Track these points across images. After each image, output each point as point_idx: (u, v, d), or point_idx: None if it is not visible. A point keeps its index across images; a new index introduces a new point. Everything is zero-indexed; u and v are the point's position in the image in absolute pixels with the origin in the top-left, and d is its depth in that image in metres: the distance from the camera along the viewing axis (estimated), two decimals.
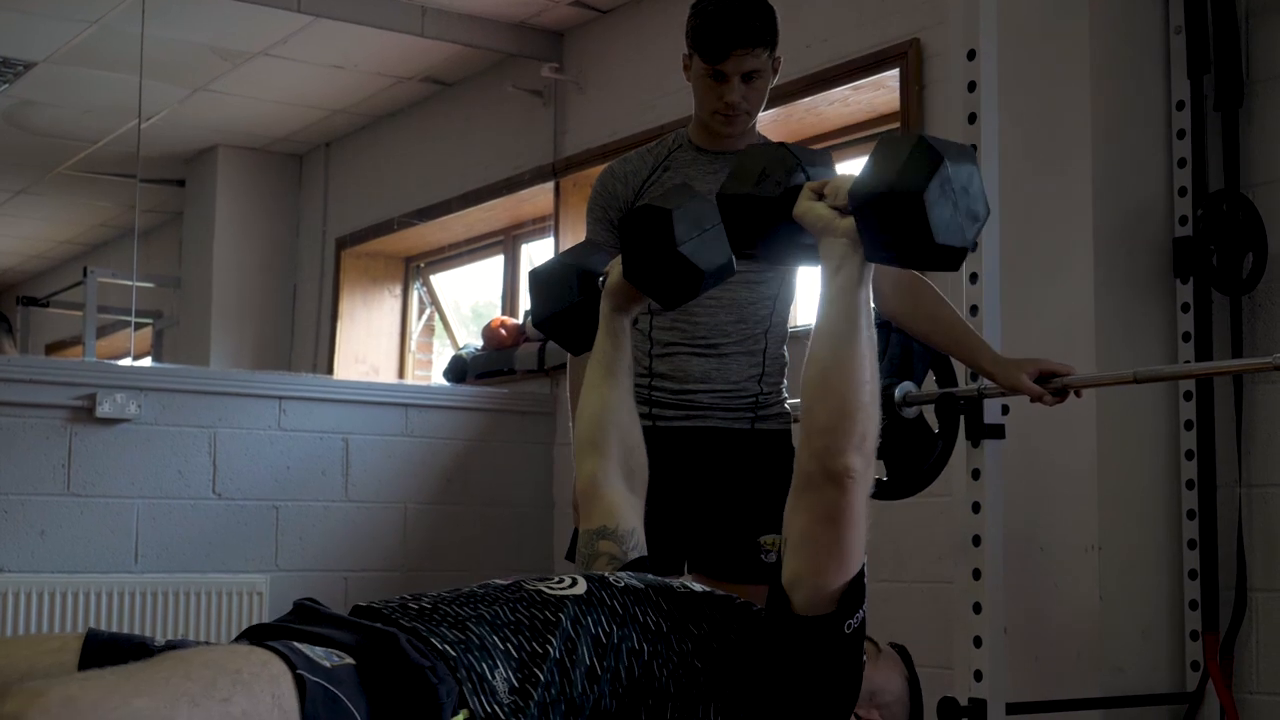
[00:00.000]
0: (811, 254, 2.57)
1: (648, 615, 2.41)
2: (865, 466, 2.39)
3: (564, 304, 3.23)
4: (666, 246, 2.90)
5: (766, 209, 2.60)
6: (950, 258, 2.41)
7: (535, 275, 3.30)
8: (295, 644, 2.07)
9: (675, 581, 2.59)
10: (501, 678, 2.21)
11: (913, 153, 2.38)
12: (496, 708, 2.18)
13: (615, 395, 3.08)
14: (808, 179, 2.60)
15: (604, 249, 3.35)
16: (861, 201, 2.42)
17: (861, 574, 2.42)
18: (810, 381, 2.44)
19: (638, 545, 2.90)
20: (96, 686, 1.85)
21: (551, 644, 2.28)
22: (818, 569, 2.38)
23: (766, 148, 2.71)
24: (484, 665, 2.20)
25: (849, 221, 2.45)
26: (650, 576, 2.58)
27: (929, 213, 2.33)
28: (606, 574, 2.53)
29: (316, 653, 2.06)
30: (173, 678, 1.90)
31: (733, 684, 2.40)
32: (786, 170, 2.61)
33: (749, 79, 3.78)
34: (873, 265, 2.47)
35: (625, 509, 2.97)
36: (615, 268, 3.07)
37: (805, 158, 2.65)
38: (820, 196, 2.53)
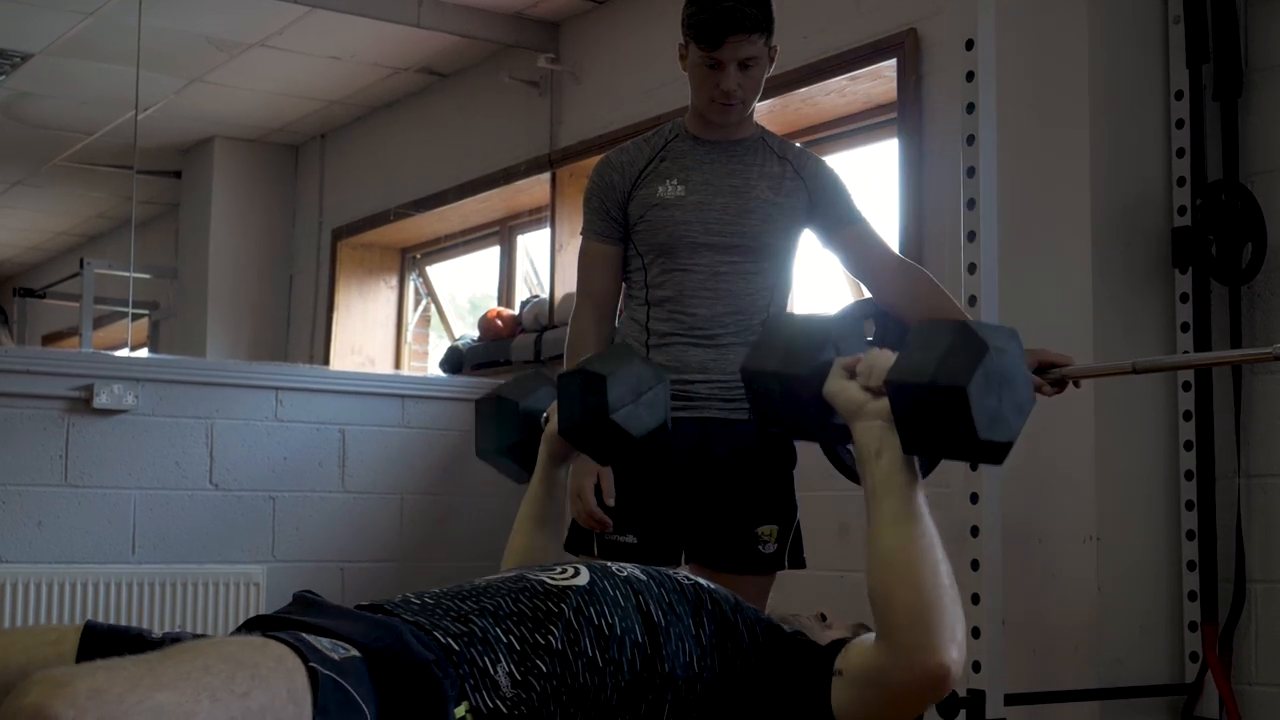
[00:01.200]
0: (843, 432, 2.46)
1: (650, 607, 2.40)
2: (961, 657, 2.25)
3: (506, 442, 3.26)
4: (599, 415, 2.88)
5: (794, 386, 2.48)
6: (995, 452, 2.29)
7: (481, 408, 3.33)
8: (304, 635, 2.06)
9: (680, 573, 2.58)
10: (504, 671, 2.20)
11: (955, 342, 2.26)
12: (499, 702, 2.18)
13: (543, 543, 3.12)
14: (838, 353, 2.48)
15: (548, 383, 3.34)
16: (900, 393, 2.30)
17: None
18: (881, 571, 2.30)
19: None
20: (121, 678, 1.84)
21: (554, 635, 2.27)
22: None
23: (791, 319, 2.62)
24: (486, 659, 2.20)
25: (883, 404, 2.34)
26: (653, 568, 2.57)
27: (972, 408, 2.21)
28: (609, 564, 2.53)
29: (325, 645, 2.06)
30: (194, 671, 1.89)
31: (733, 682, 2.40)
32: (814, 345, 2.49)
33: (745, 67, 3.77)
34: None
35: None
36: (554, 416, 3.07)
37: (834, 327, 2.54)
38: (852, 375, 2.43)
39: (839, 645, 2.41)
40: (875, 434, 2.35)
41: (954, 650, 2.22)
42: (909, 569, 2.27)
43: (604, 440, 2.95)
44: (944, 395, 2.23)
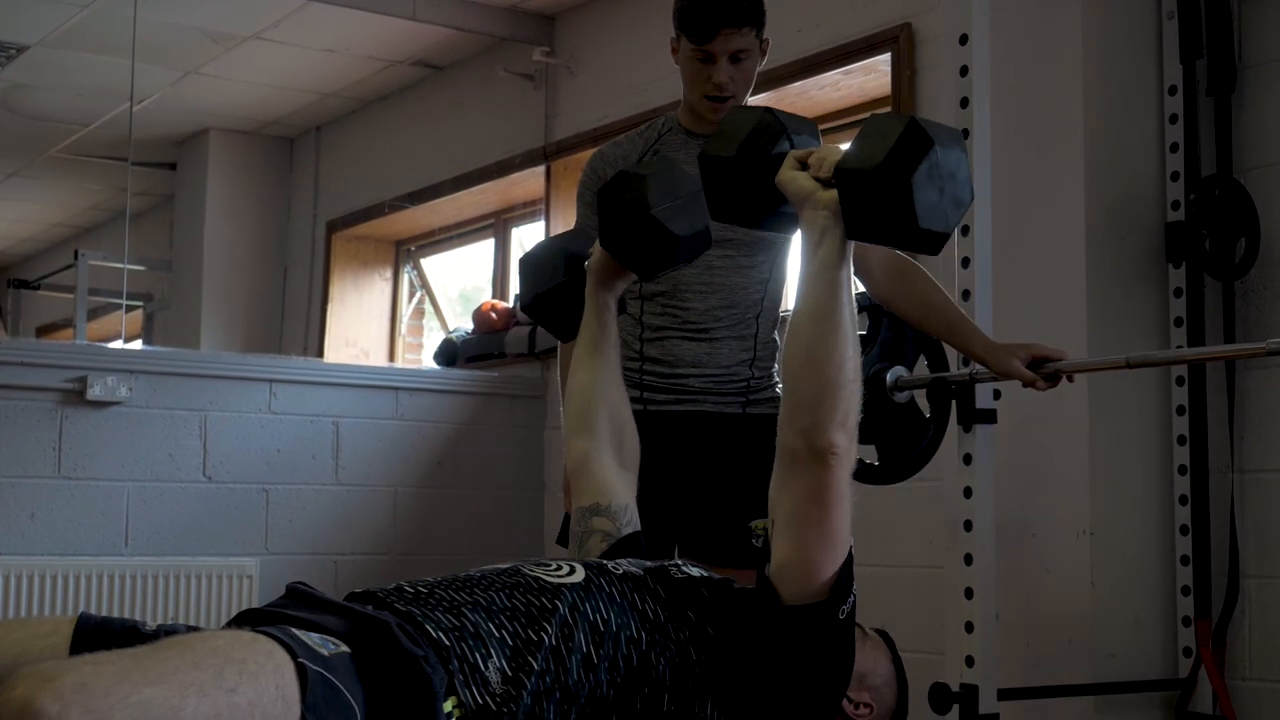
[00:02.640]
0: (791, 222, 2.58)
1: (646, 603, 2.40)
2: (849, 443, 2.39)
3: (549, 284, 3.25)
4: (640, 211, 2.92)
5: (748, 174, 2.60)
6: (932, 241, 2.41)
7: (524, 259, 3.33)
8: (293, 630, 2.06)
9: (673, 565, 2.58)
10: (495, 667, 2.20)
11: (903, 135, 2.36)
12: (488, 699, 2.17)
13: (603, 373, 3.09)
14: (792, 146, 2.60)
15: (592, 233, 3.35)
16: (847, 179, 2.42)
17: (850, 558, 2.42)
18: (792, 358, 2.45)
19: (631, 521, 2.91)
20: (108, 673, 1.84)
21: (547, 632, 2.27)
22: (806, 552, 2.38)
23: (752, 111, 2.69)
24: (477, 655, 2.20)
25: (832, 194, 2.45)
26: (649, 563, 2.57)
27: (914, 196, 2.33)
28: (605, 561, 2.53)
29: (313, 640, 2.06)
30: (181, 667, 1.89)
31: (729, 673, 2.40)
32: (771, 136, 2.61)
33: (737, 60, 3.77)
34: (853, 242, 2.47)
35: (617, 485, 2.97)
36: (599, 246, 3.08)
37: (791, 124, 2.64)
38: (804, 166, 2.53)
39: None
40: (819, 222, 2.47)
41: (840, 433, 2.38)
42: (823, 356, 2.41)
43: (646, 241, 2.98)
44: (888, 183, 2.35)
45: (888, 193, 2.36)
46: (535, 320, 3.35)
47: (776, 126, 2.62)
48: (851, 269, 2.49)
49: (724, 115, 2.73)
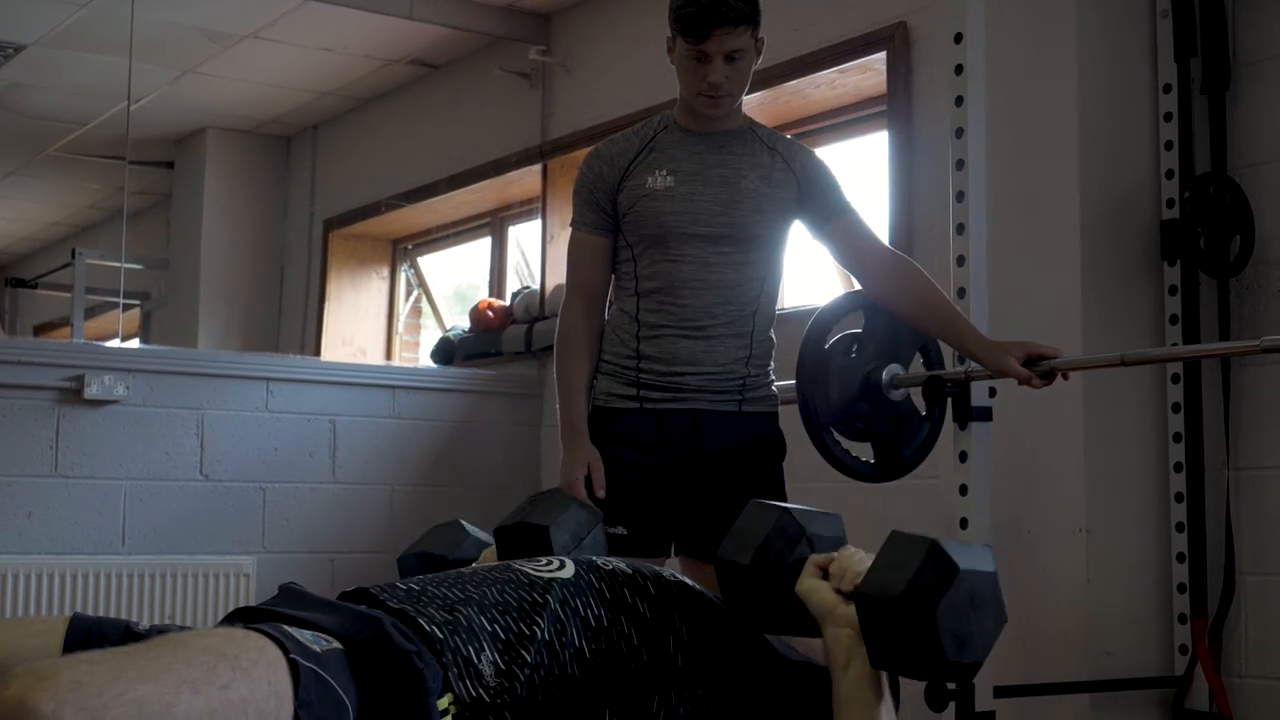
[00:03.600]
0: (816, 629, 2.41)
1: (636, 600, 2.41)
2: None
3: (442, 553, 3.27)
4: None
5: (766, 583, 2.45)
6: (964, 672, 2.27)
7: (402, 563, 3.32)
8: (286, 628, 2.07)
9: (665, 570, 2.59)
10: (488, 661, 2.21)
11: (926, 561, 2.23)
12: (482, 691, 2.18)
13: None
14: (812, 549, 2.45)
15: (469, 535, 3.36)
16: (866, 606, 2.27)
17: None
18: None
19: None
20: (102, 670, 1.84)
21: (539, 626, 2.28)
22: None
23: (769, 512, 2.55)
24: (470, 649, 2.20)
25: (854, 610, 2.33)
26: (638, 562, 2.58)
27: (940, 630, 2.19)
28: (595, 559, 2.54)
29: (306, 637, 2.06)
30: (175, 664, 1.90)
31: (713, 688, 2.40)
32: (788, 540, 2.46)
33: (732, 59, 3.77)
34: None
35: None
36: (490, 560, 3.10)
37: (810, 524, 2.50)
38: (825, 574, 2.42)
39: None
40: (844, 642, 2.34)
41: None
42: None
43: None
44: (911, 616, 2.20)
45: (910, 627, 2.21)
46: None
47: (794, 529, 2.47)
48: (887, 690, 2.35)
49: (742, 515, 2.58)
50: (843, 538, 2.51)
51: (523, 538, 2.97)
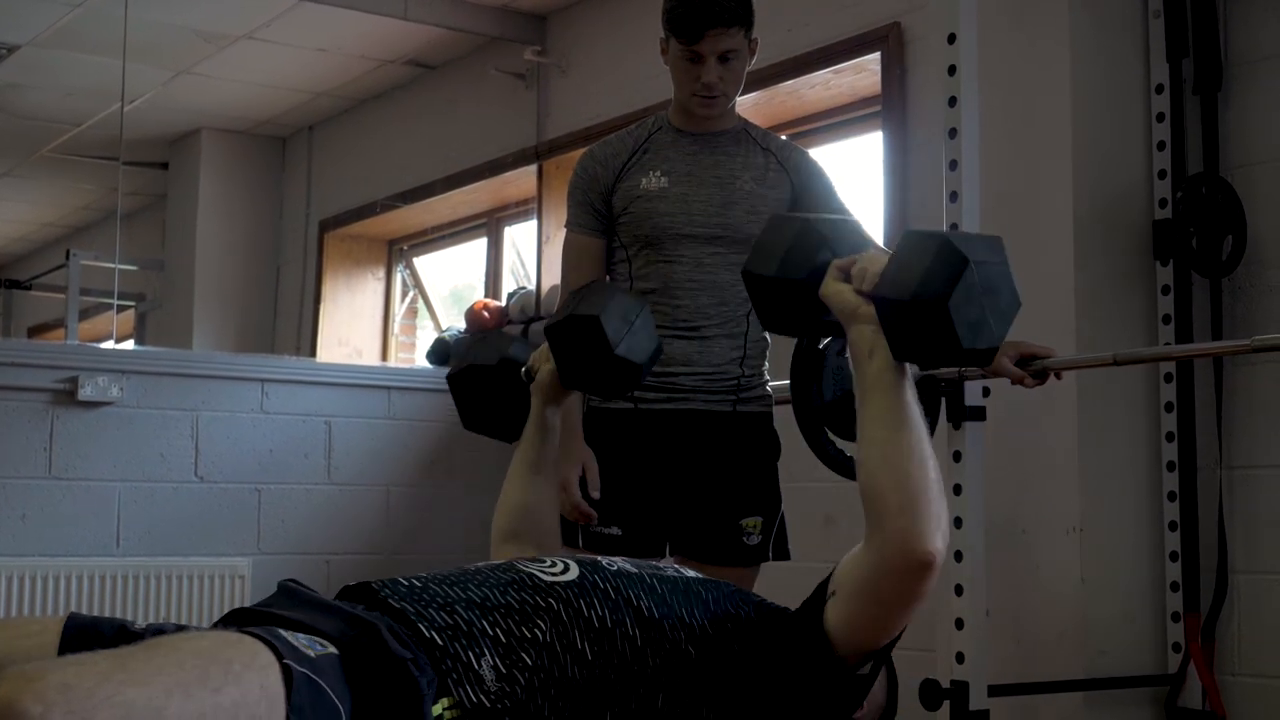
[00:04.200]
0: (840, 329, 2.51)
1: (641, 600, 2.41)
2: (944, 548, 2.32)
3: (493, 407, 3.25)
4: (603, 351, 2.93)
5: (791, 290, 2.54)
6: (982, 357, 2.36)
7: (453, 382, 3.32)
8: (280, 631, 2.07)
9: (668, 566, 2.59)
10: (489, 665, 2.21)
11: (936, 257, 2.30)
12: (482, 696, 2.18)
13: (539, 493, 3.12)
14: (833, 254, 2.52)
15: (509, 338, 3.35)
16: (884, 307, 2.36)
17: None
18: (871, 463, 2.37)
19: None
20: (91, 673, 1.84)
21: (541, 628, 2.28)
22: (872, 639, 2.38)
23: (790, 223, 2.63)
24: (471, 654, 2.20)
25: (875, 308, 2.40)
26: (641, 561, 2.58)
27: (954, 320, 2.27)
28: (599, 559, 2.54)
29: (300, 640, 2.06)
30: (166, 667, 1.90)
31: (727, 676, 2.40)
32: (810, 248, 2.54)
33: (725, 59, 3.78)
34: None
35: None
36: (541, 362, 3.10)
37: (831, 231, 2.57)
38: (847, 276, 2.48)
39: (825, 581, 2.44)
40: (867, 336, 2.41)
41: (939, 539, 2.29)
42: (897, 462, 2.33)
43: (612, 376, 3.00)
44: (926, 310, 2.29)
45: (926, 320, 2.30)
46: (455, 396, 3.34)
47: (815, 236, 2.55)
48: (910, 375, 2.43)
49: (765, 229, 2.64)
50: (864, 242, 2.59)
51: (574, 330, 2.98)
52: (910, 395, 2.39)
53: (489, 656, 2.21)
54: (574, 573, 2.43)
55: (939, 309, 2.27)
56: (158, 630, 2.20)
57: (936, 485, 2.33)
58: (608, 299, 2.99)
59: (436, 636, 2.19)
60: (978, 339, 2.30)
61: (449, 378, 3.33)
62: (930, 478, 2.33)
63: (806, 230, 2.58)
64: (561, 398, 3.13)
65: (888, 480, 2.33)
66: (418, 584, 2.33)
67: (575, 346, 2.97)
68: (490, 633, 2.24)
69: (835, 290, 2.47)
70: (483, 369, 3.25)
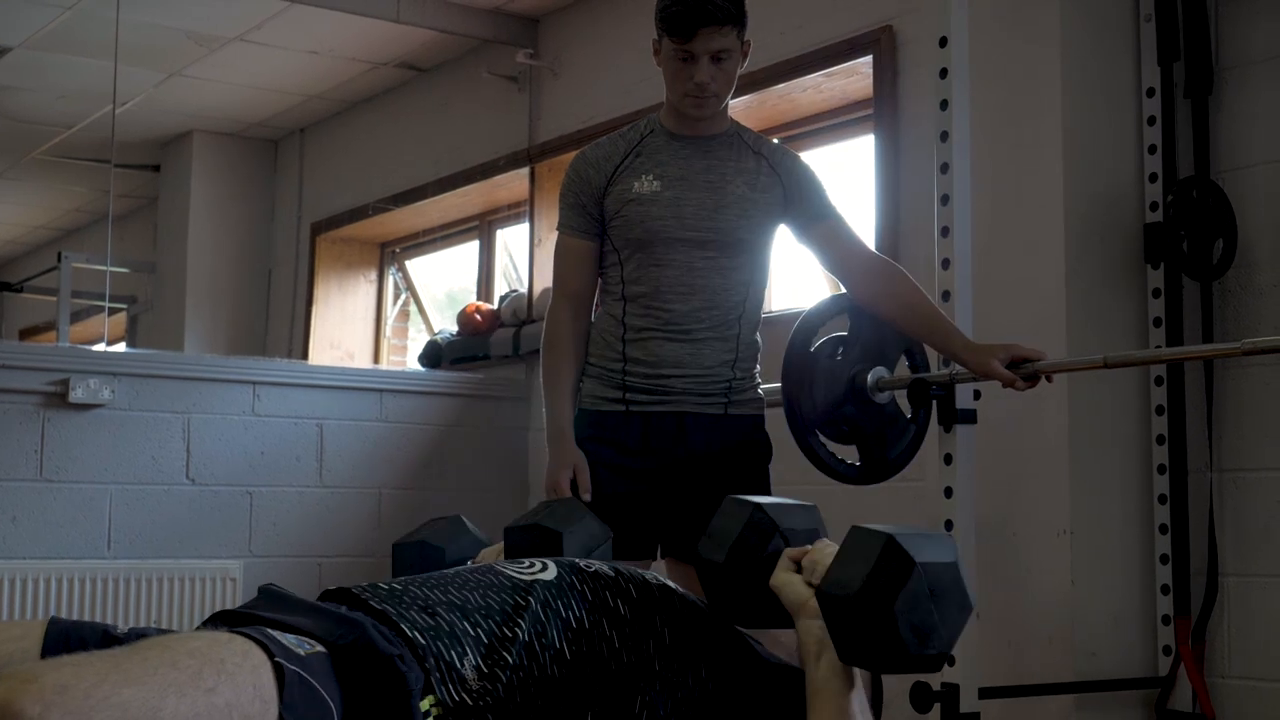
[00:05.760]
0: (791, 621, 2.41)
1: (618, 602, 2.41)
2: None
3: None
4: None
5: (741, 580, 2.45)
6: (930, 663, 2.24)
7: (399, 551, 3.36)
8: (269, 631, 2.07)
9: (648, 573, 2.59)
10: (470, 664, 2.21)
11: (880, 557, 2.20)
12: (464, 695, 2.18)
13: None
14: (786, 543, 2.44)
15: (469, 532, 3.36)
16: (829, 605, 2.26)
17: None
18: None
19: None
20: (88, 674, 1.84)
21: (520, 627, 2.28)
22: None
23: (742, 508, 2.53)
24: (453, 653, 2.20)
25: None
26: (622, 565, 2.58)
27: (898, 625, 2.17)
28: (577, 560, 2.54)
29: (289, 640, 2.06)
30: (160, 667, 1.89)
31: (693, 692, 2.41)
32: (762, 535, 2.45)
33: (718, 60, 3.78)
34: None
35: None
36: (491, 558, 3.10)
37: (782, 519, 2.48)
38: (799, 567, 2.41)
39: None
40: (815, 634, 2.32)
41: None
42: None
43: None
44: (869, 614, 2.19)
45: (870, 625, 2.19)
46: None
47: (767, 525, 2.46)
48: (859, 681, 2.33)
49: (718, 514, 2.56)
50: (818, 530, 2.50)
51: (534, 539, 2.97)
52: (857, 705, 2.30)
53: (471, 656, 2.22)
54: (551, 572, 2.43)
55: (884, 612, 2.17)
56: (139, 635, 2.20)
57: None
58: (577, 521, 2.99)
59: (419, 636, 2.20)
60: (925, 645, 2.19)
61: (395, 547, 3.40)
62: None
63: (758, 517, 2.48)
64: None
65: None
66: (398, 587, 2.33)
67: (527, 554, 2.84)
68: (472, 634, 2.25)
69: (785, 581, 2.39)
70: (433, 549, 3.30)
